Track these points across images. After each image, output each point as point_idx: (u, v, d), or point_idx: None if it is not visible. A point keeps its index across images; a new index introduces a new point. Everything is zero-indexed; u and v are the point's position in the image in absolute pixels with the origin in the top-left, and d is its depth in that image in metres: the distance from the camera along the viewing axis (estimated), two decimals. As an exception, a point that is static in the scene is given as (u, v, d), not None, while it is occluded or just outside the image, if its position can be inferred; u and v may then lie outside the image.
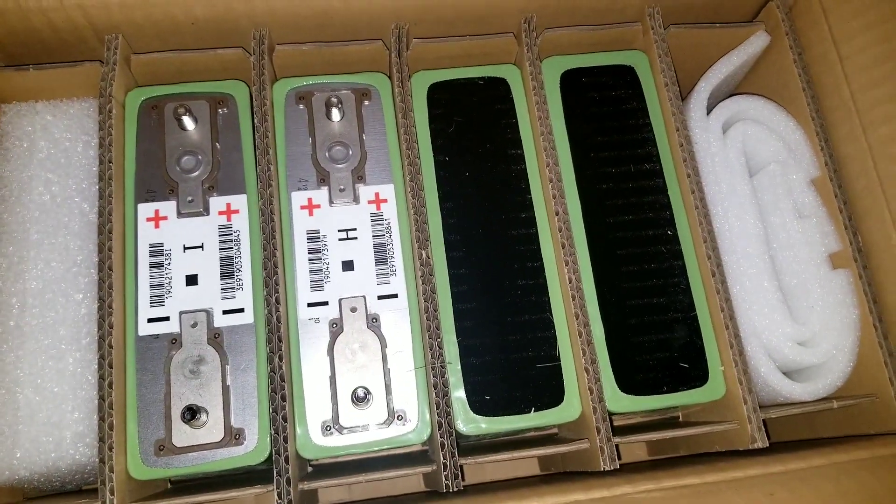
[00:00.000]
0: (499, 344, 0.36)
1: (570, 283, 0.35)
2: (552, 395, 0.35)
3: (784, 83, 0.42)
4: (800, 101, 0.41)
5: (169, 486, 0.38)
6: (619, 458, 0.33)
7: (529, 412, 0.35)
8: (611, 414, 0.34)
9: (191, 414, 0.32)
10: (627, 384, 0.35)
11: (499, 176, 0.38)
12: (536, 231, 0.37)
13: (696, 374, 0.35)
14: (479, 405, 0.35)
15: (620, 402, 0.34)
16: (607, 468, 0.33)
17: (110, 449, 0.31)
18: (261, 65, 0.37)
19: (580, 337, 0.34)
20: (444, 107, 0.39)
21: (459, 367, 0.35)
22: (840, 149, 0.40)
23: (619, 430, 0.35)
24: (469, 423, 0.34)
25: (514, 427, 0.35)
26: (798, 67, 0.41)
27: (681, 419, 0.43)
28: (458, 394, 0.34)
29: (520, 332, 0.36)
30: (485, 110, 0.39)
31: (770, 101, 0.41)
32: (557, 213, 0.36)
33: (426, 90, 0.39)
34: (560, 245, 0.36)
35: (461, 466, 0.33)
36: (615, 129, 0.39)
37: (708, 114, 0.40)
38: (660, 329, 0.36)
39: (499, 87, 0.40)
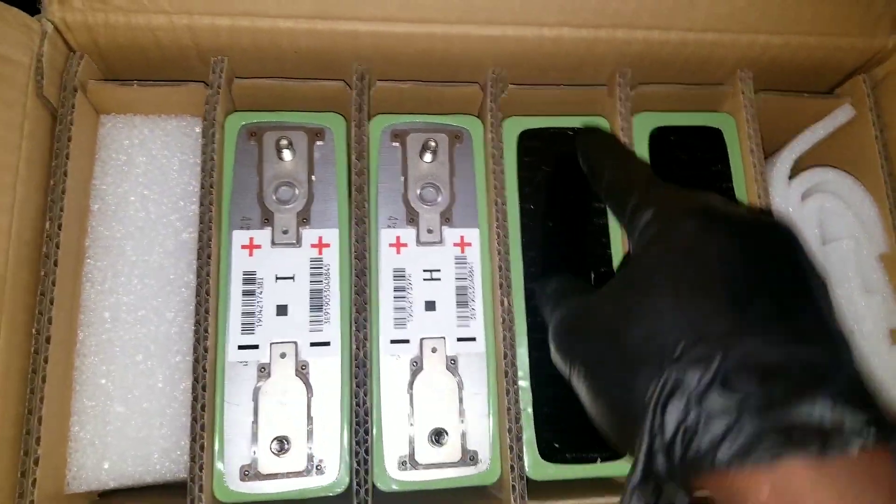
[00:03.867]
0: (571, 394, 0.37)
1: (647, 343, 0.36)
2: (619, 447, 0.36)
3: (862, 156, 0.42)
4: (876, 176, 0.41)
5: None
6: None
7: (596, 462, 0.36)
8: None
9: (279, 445, 0.33)
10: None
11: (581, 228, 0.39)
12: (615, 287, 0.38)
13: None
14: (549, 452, 0.36)
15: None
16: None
17: (200, 469, 0.33)
18: (361, 100, 0.38)
19: (655, 399, 0.35)
20: (533, 154, 0.40)
21: (531, 412, 0.36)
22: (912, 229, 0.40)
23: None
24: (538, 468, 0.36)
25: (580, 476, 0.36)
26: (878, 143, 0.41)
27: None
28: (529, 438, 0.36)
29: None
30: (573, 160, 0.40)
31: (849, 176, 0.41)
32: (638, 273, 0.37)
33: (517, 136, 0.40)
34: (639, 304, 0.37)
35: (530, 511, 0.34)
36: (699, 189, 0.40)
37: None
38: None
39: (588, 140, 0.40)
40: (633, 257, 0.26)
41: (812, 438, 0.19)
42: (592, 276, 0.38)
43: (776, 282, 0.22)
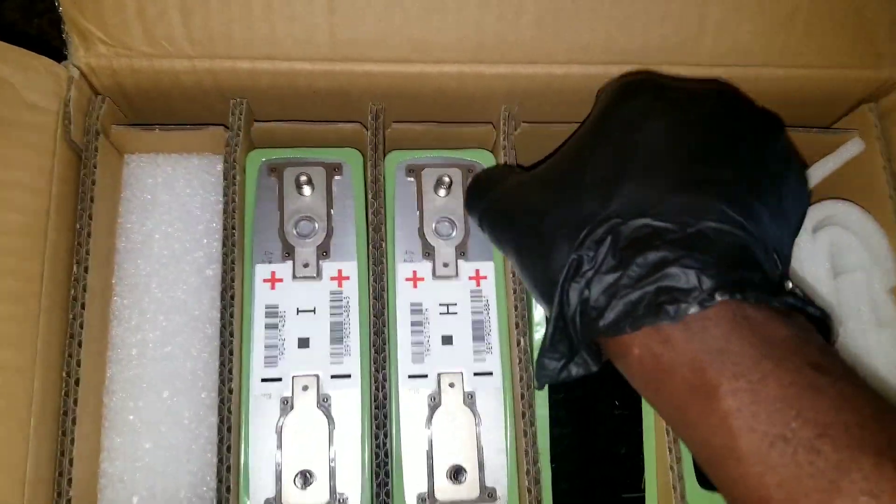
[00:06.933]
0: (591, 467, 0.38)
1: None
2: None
3: (871, 187, 0.43)
4: (885, 207, 0.42)
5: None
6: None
7: None
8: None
9: (303, 480, 0.34)
10: (706, 479, 0.37)
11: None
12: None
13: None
14: None
15: (701, 498, 0.36)
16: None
17: (226, 507, 0.34)
18: (376, 139, 0.39)
19: (668, 435, 0.36)
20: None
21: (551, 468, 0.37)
22: (922, 260, 0.41)
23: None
24: None
25: None
26: (887, 174, 0.42)
27: None
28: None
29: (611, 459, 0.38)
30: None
31: (858, 208, 0.42)
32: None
33: (530, 172, 0.41)
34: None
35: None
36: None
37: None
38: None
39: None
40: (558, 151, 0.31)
41: (669, 303, 0.22)
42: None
43: (690, 155, 0.26)
